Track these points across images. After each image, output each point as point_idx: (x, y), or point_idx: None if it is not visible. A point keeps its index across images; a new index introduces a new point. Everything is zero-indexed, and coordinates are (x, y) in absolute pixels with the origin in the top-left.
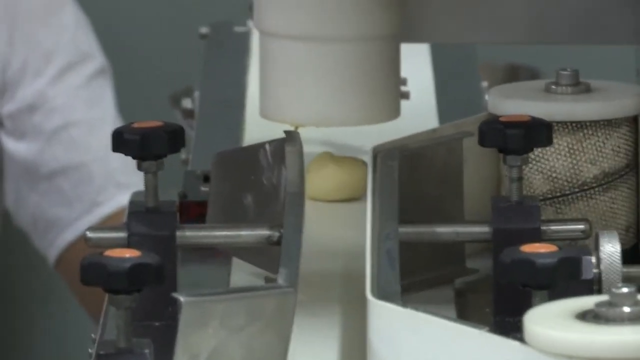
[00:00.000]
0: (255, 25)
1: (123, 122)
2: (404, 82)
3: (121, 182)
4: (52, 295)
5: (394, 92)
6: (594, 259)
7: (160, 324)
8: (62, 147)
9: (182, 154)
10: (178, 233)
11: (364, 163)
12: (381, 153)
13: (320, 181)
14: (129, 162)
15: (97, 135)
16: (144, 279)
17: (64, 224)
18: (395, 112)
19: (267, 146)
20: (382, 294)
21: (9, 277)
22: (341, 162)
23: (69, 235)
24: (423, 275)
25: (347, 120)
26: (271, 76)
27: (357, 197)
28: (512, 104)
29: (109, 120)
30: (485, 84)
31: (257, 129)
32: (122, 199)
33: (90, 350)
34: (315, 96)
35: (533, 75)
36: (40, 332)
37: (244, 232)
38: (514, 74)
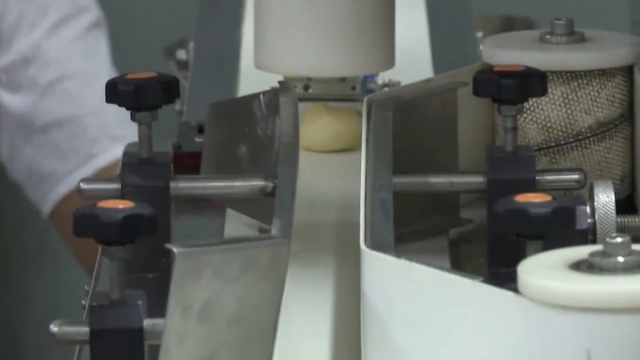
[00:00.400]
0: None
1: (118, 74)
2: None
3: (116, 134)
4: (46, 250)
5: (388, 42)
6: (588, 209)
7: (153, 275)
8: (56, 100)
9: (177, 105)
10: (172, 184)
11: (358, 113)
12: (375, 103)
13: (315, 132)
14: (124, 114)
15: (92, 88)
16: (137, 230)
17: (59, 177)
18: (389, 63)
19: (261, 97)
20: (376, 245)
21: (3, 233)
22: (335, 113)
23: (64, 187)
24: (417, 226)
25: (341, 70)
26: (266, 27)
27: (351, 148)
28: (507, 54)
29: (104, 73)
30: (480, 34)
31: (252, 79)
32: (116, 151)
33: (83, 302)
34: (310, 47)
35: (529, 26)
36: (35, 287)
37: (238, 183)
38: (509, 25)
